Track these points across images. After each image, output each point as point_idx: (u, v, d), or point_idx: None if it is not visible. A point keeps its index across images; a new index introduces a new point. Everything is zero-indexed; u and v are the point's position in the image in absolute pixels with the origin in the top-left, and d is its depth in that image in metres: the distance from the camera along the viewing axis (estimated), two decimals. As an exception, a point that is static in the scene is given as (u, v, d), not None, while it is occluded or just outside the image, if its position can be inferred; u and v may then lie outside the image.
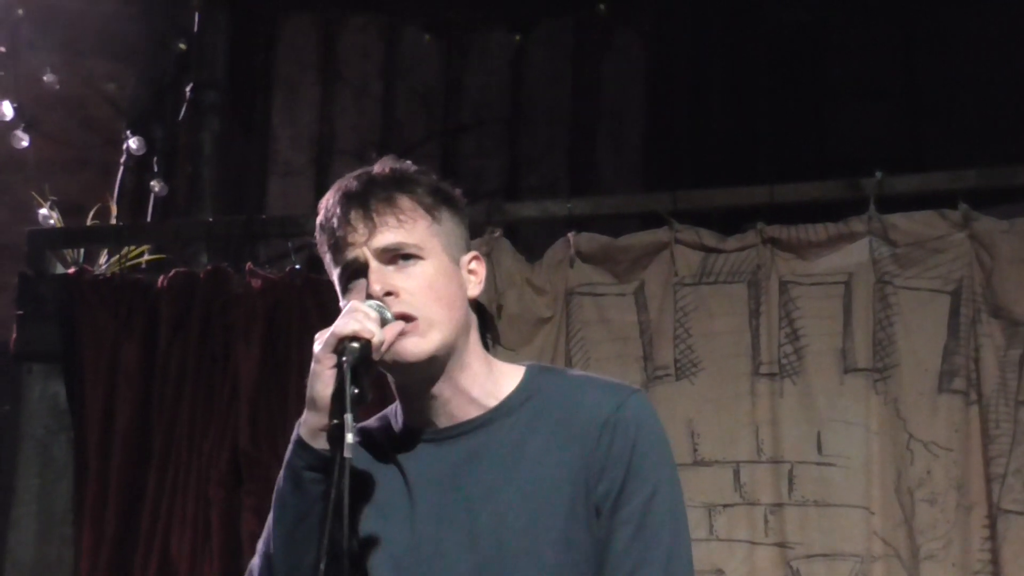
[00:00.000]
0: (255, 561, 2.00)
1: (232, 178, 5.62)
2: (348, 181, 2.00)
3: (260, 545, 1.99)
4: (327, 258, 2.01)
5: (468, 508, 1.94)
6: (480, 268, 2.04)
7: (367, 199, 1.96)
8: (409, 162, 2.04)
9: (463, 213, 2.05)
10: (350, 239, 1.95)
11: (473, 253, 2.04)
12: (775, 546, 3.73)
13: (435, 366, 1.97)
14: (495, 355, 4.04)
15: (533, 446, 1.97)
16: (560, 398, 2.01)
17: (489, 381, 2.02)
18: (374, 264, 1.94)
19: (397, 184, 1.98)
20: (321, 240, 2.01)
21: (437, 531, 1.94)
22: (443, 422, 2.00)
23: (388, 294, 1.92)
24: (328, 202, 1.99)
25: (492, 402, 2.00)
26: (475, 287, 2.03)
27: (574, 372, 2.14)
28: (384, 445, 2.02)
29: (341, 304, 2.00)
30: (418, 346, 1.93)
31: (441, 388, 1.98)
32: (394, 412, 2.05)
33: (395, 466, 1.99)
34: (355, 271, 1.96)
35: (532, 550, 1.91)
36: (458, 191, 2.05)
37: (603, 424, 1.95)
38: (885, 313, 3.76)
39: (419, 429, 2.01)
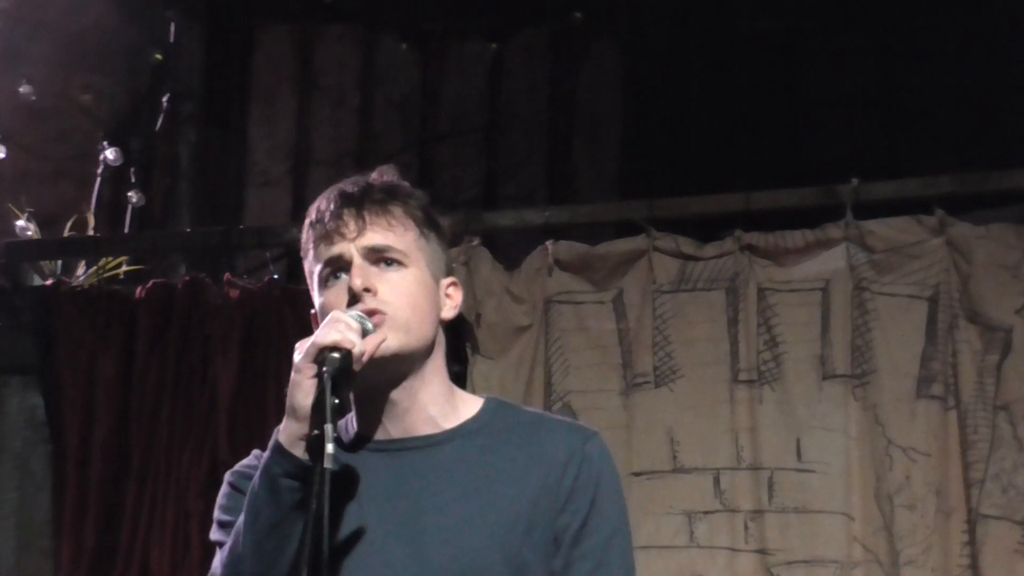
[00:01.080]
0: (216, 568, 1.97)
1: (209, 188, 5.60)
2: (345, 184, 2.02)
3: (225, 553, 1.96)
4: (310, 255, 2.01)
5: (417, 520, 1.94)
6: (456, 294, 2.06)
7: (362, 201, 1.99)
8: (407, 183, 2.06)
9: (447, 242, 2.07)
10: (340, 232, 1.96)
11: (452, 279, 2.06)
12: (756, 553, 3.73)
13: (396, 369, 1.96)
14: (474, 364, 4.03)
15: (491, 467, 1.97)
16: (521, 427, 2.02)
17: (448, 405, 2.02)
18: (358, 260, 1.96)
19: (393, 193, 2.01)
20: (307, 236, 2.01)
21: (384, 540, 1.93)
22: (397, 432, 1.99)
23: (366, 290, 1.93)
24: (321, 203, 2.01)
25: (448, 424, 2.01)
26: (449, 310, 2.04)
27: (532, 408, 2.16)
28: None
29: (314, 299, 2.00)
30: (384, 343, 1.92)
31: (399, 396, 1.98)
32: (345, 423, 2.04)
33: (344, 474, 1.95)
34: (338, 268, 1.97)
35: (483, 568, 1.91)
36: (446, 220, 2.07)
37: (571, 455, 1.97)
38: (863, 319, 3.77)
39: (371, 438, 2.01)
